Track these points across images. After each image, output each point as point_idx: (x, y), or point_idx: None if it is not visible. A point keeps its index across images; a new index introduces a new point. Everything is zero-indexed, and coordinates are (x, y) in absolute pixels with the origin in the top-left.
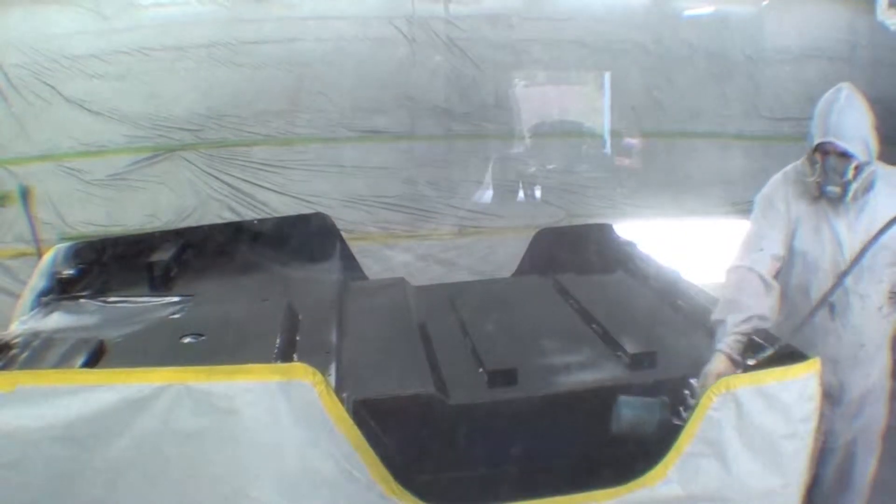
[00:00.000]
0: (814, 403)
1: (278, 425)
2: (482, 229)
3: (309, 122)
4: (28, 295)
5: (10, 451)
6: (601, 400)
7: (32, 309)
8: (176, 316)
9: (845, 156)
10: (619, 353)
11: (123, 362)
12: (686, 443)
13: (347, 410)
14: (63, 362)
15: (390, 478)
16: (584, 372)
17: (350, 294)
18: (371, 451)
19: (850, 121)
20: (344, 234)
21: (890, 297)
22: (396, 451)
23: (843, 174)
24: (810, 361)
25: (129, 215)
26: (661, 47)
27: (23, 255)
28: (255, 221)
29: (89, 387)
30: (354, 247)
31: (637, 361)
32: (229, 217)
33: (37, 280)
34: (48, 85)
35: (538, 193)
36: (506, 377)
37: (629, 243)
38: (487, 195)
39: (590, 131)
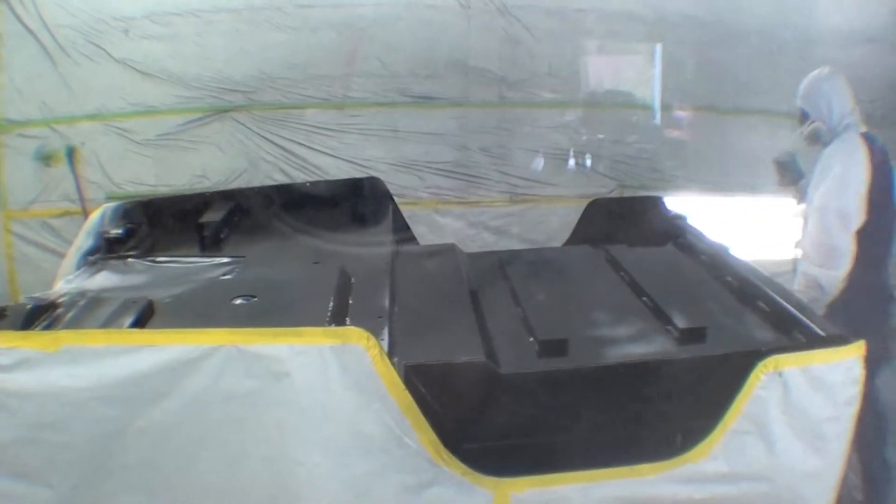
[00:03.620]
0: (857, 387)
1: (330, 389)
2: (533, 197)
3: (362, 87)
4: (73, 254)
5: (53, 410)
6: (649, 374)
7: (78, 268)
8: (226, 277)
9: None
10: (668, 328)
11: (173, 323)
12: (732, 420)
13: (398, 375)
14: (111, 322)
15: (439, 444)
16: (633, 345)
17: (402, 259)
18: (422, 417)
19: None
20: (395, 199)
21: None
22: (445, 418)
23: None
24: (856, 345)
25: (177, 175)
26: (715, 22)
27: (68, 213)
28: (308, 184)
29: (137, 347)
30: (405, 212)
31: (686, 336)
32: (280, 179)
33: (83, 239)
34: (97, 46)
35: (589, 163)
36: (556, 348)
37: (680, 216)
38: (539, 163)
39: (641, 103)
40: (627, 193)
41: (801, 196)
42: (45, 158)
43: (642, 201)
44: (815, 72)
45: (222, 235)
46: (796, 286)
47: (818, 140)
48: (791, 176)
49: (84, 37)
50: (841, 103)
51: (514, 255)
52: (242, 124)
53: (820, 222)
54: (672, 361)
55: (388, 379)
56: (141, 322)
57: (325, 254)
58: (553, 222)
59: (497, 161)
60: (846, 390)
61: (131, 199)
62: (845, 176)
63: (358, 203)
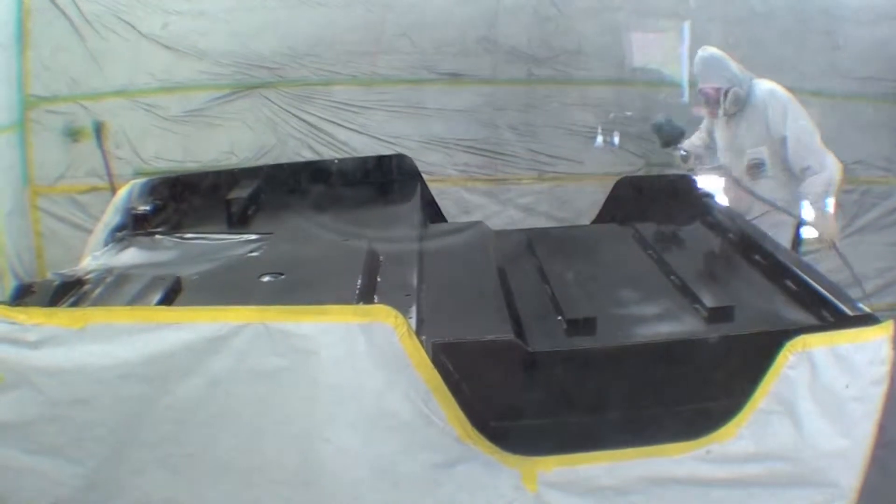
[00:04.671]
0: (885, 368)
1: (357, 367)
2: (561, 175)
3: (390, 64)
4: (101, 230)
5: (79, 387)
6: (677, 353)
7: (106, 244)
8: (254, 254)
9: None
10: (696, 306)
11: (200, 300)
12: (760, 400)
13: (426, 353)
14: (138, 299)
15: (467, 422)
16: (661, 324)
17: (430, 236)
18: (449, 396)
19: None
20: (423, 176)
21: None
22: (472, 396)
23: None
24: (884, 325)
25: (205, 152)
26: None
27: (95, 189)
28: (336, 161)
29: (164, 325)
30: (434, 189)
31: (714, 315)
32: (308, 156)
33: (111, 215)
34: (124, 21)
35: (617, 141)
36: (585, 326)
37: (707, 195)
38: (567, 141)
39: (670, 80)
40: (655, 171)
41: (687, 156)
42: (73, 134)
43: (670, 179)
44: (703, 53)
45: (250, 212)
46: (820, 192)
47: (739, 102)
48: (673, 135)
49: (111, 12)
50: (736, 65)
51: (541, 232)
52: (270, 101)
53: (810, 140)
54: (700, 341)
55: (415, 357)
56: (168, 299)
57: (353, 231)
58: (581, 200)
59: (525, 138)
60: (873, 370)
61: (159, 175)
62: (796, 104)
63: (386, 180)
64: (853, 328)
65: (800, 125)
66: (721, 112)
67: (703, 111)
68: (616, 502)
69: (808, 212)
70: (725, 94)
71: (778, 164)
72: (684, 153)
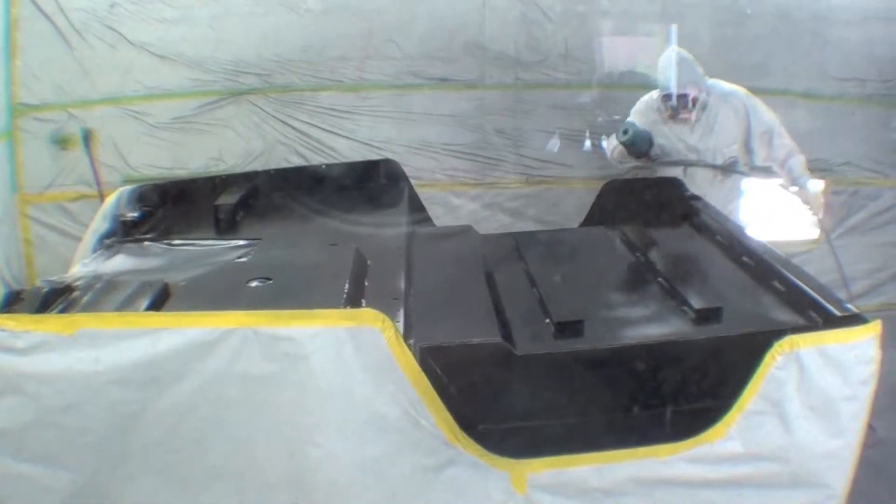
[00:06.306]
0: (873, 367)
1: (345, 371)
2: (549, 179)
3: (378, 69)
4: (90, 237)
5: (70, 394)
6: (665, 355)
7: (95, 251)
8: (242, 260)
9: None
10: (684, 308)
11: (188, 306)
12: (748, 401)
13: (414, 357)
14: (127, 305)
15: (455, 425)
16: (649, 326)
17: (417, 241)
18: (437, 399)
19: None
20: (411, 181)
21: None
22: (461, 399)
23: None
24: (871, 324)
25: (194, 158)
26: (730, 2)
27: (84, 197)
28: (324, 166)
29: (153, 330)
30: (422, 194)
31: (702, 317)
32: (296, 161)
33: (99, 222)
34: (112, 29)
35: (605, 144)
36: (572, 329)
37: (696, 198)
38: (555, 145)
39: (657, 83)
40: (642, 175)
41: (659, 155)
42: (61, 142)
43: (658, 182)
44: (675, 56)
45: (238, 218)
46: (804, 171)
47: (705, 106)
48: (644, 146)
49: (99, 20)
50: (698, 66)
51: (529, 236)
52: (258, 107)
53: (782, 129)
54: (688, 342)
55: (403, 360)
56: (157, 305)
57: (341, 236)
58: (568, 204)
59: (513, 143)
60: (861, 370)
61: (147, 182)
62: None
63: (374, 185)
64: (841, 328)
65: (771, 117)
66: (693, 117)
67: (666, 114)
68: None
69: (799, 191)
70: (694, 100)
71: (742, 161)
72: (657, 154)
